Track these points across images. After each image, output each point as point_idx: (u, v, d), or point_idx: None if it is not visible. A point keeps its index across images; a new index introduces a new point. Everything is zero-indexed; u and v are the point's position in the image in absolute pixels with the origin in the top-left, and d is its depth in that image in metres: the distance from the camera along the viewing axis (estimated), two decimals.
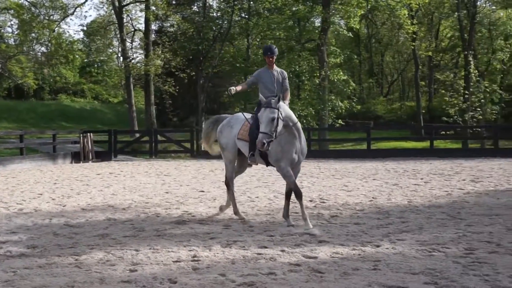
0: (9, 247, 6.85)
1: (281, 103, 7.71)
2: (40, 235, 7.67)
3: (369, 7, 34.73)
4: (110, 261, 6.12)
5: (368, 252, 6.40)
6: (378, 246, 6.67)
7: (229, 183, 9.30)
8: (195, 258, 6.20)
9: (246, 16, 38.20)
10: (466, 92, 34.56)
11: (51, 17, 36.01)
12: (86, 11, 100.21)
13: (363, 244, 6.83)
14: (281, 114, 7.59)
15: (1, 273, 5.63)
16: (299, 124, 8.32)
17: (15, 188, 13.69)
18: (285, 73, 9.04)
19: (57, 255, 6.41)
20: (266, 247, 6.73)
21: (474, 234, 7.30)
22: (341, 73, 33.87)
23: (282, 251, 6.52)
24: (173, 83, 39.27)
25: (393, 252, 6.33)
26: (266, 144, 7.24)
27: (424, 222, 8.34)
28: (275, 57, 8.77)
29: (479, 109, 34.52)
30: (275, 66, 8.84)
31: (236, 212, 9.08)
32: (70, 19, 59.67)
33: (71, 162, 24.10)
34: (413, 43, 41.86)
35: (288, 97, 8.81)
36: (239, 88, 8.97)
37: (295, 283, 5.17)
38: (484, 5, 41.28)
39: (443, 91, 39.09)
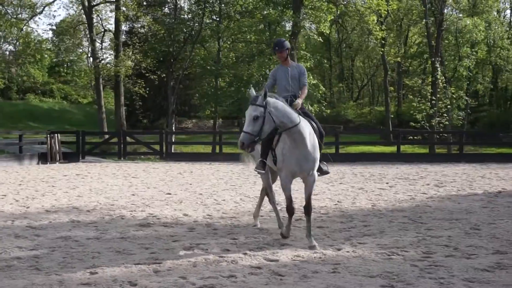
0: None
1: (271, 100, 6.60)
2: (1, 237, 7.58)
3: (339, 13, 35.11)
4: (71, 264, 6.08)
5: (328, 255, 6.50)
6: (339, 250, 6.78)
7: (268, 193, 8.38)
8: (157, 261, 6.18)
9: (217, 19, 38.22)
10: (433, 98, 35.07)
11: (19, 15, 35.61)
12: (55, 11, 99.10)
13: (325, 247, 6.91)
14: (270, 113, 6.44)
15: None
16: (302, 127, 6.79)
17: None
18: (303, 68, 7.98)
19: (17, 257, 6.35)
20: (228, 250, 6.77)
21: (433, 238, 7.45)
22: (311, 77, 34.07)
23: (244, 254, 6.56)
24: (144, 85, 39.18)
25: (353, 256, 6.44)
26: (245, 145, 6.31)
27: (386, 226, 8.47)
28: (285, 52, 7.71)
29: (445, 114, 35.10)
30: (290, 61, 7.89)
31: (255, 215, 8.65)
32: (39, 18, 58.87)
33: (38, 163, 23.78)
34: (382, 49, 42.32)
35: (304, 94, 7.78)
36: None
37: (254, 285, 5.23)
38: (451, 13, 41.95)
39: (411, 97, 39.61)
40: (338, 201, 11.31)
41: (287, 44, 7.84)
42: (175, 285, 5.27)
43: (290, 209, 7.05)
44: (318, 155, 7.05)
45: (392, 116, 46.61)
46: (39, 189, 13.67)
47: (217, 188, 13.78)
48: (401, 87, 50.98)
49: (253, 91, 6.62)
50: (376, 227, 8.36)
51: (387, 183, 14.98)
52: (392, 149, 28.11)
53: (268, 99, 6.52)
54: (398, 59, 47.57)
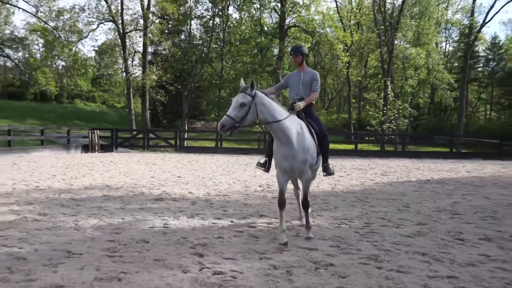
0: (25, 214, 6.88)
1: (260, 93, 5.47)
2: (50, 206, 7.69)
3: (314, 42, 35.18)
4: (101, 226, 6.23)
5: (294, 224, 6.68)
6: (302, 220, 6.89)
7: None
8: (166, 225, 6.33)
9: (221, 45, 38.21)
10: (385, 108, 35.31)
11: (69, 39, 35.47)
12: (97, 35, 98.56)
13: (292, 218, 7.06)
14: (256, 104, 5.34)
15: (17, 233, 5.70)
16: (284, 125, 5.47)
17: (35, 170, 13.58)
18: (316, 74, 6.45)
19: (61, 221, 6.48)
20: (220, 219, 6.90)
21: (373, 213, 7.61)
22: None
23: (231, 222, 6.71)
24: (164, 94, 39.28)
25: (313, 225, 6.54)
26: (225, 128, 5.12)
27: (340, 203, 8.57)
28: (301, 56, 6.41)
29: (393, 121, 35.37)
30: (306, 67, 6.50)
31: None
32: (85, 41, 58.70)
33: (81, 152, 23.85)
34: (347, 70, 42.52)
35: (312, 99, 6.31)
36: (265, 91, 5.97)
37: (236, 244, 5.40)
38: (400, 43, 42.10)
39: (368, 107, 39.91)
40: None
41: (303, 49, 6.53)
42: (178, 242, 5.44)
43: (279, 202, 5.64)
44: (311, 156, 5.65)
45: (354, 121, 46.80)
46: (80, 171, 13.76)
47: (215, 174, 13.81)
48: (361, 99, 51.31)
49: (242, 82, 5.58)
50: (332, 204, 8.46)
51: (345, 172, 15.10)
52: (352, 146, 28.26)
53: (257, 91, 5.45)
54: (359, 78, 47.86)
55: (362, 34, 43.65)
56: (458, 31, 52.44)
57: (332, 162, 19.83)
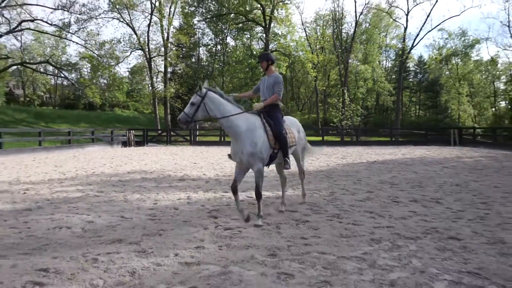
0: (88, 192, 6.99)
1: (211, 94, 4.70)
2: (104, 186, 7.81)
3: (290, 62, 35.29)
4: (143, 199, 6.40)
5: (278, 194, 6.80)
6: (285, 192, 7.10)
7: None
8: (189, 197, 6.49)
9: (222, 65, 38.20)
10: (343, 109, 35.59)
11: (110, 63, 35.17)
12: (130, 60, 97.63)
13: (278, 190, 7.21)
14: (205, 103, 4.63)
15: (84, 205, 5.84)
16: (232, 122, 4.72)
17: (90, 161, 13.67)
18: (278, 78, 5.28)
19: (114, 196, 6.63)
20: (227, 192, 7.02)
21: (336, 185, 7.74)
22: None
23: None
24: (180, 102, 39.12)
25: (293, 194, 6.78)
26: (180, 121, 4.61)
27: (312, 179, 8.68)
28: (265, 62, 5.33)
29: (349, 119, 35.63)
30: (272, 72, 5.35)
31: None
32: (121, 64, 58.17)
33: (121, 147, 23.88)
34: (315, 82, 42.68)
35: (271, 100, 5.14)
36: (242, 94, 5.68)
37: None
38: (353, 62, 42.38)
39: (331, 109, 40.11)
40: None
41: (268, 56, 5.38)
42: (198, 209, 5.60)
43: (231, 189, 4.85)
44: (259, 151, 4.69)
45: (321, 120, 47.00)
46: (123, 161, 13.87)
47: (221, 160, 13.88)
48: (325, 103, 51.38)
49: (201, 84, 4.77)
50: (306, 180, 8.36)
51: (315, 157, 15.23)
52: (319, 138, 28.46)
53: (209, 92, 4.70)
54: (324, 87, 47.96)
55: (325, 55, 43.66)
56: (394, 52, 52.78)
57: None
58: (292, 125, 5.71)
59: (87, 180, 8.62)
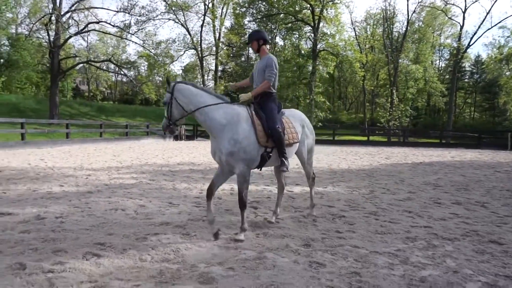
0: (141, 180, 7.45)
1: (179, 86, 3.85)
2: (156, 175, 8.24)
3: (338, 61, 34.68)
4: (190, 188, 6.71)
5: (320, 190, 6.83)
6: (325, 188, 7.07)
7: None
8: (232, 189, 6.70)
9: None
10: (391, 110, 34.38)
11: (165, 61, 36.71)
12: (183, 59, 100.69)
13: (318, 186, 7.24)
14: (177, 98, 3.81)
15: (137, 191, 6.27)
16: (210, 114, 3.82)
17: (144, 152, 14.43)
18: (270, 60, 4.13)
19: (164, 184, 7.01)
20: (268, 185, 7.16)
21: (376, 184, 7.63)
22: (321, 97, 33.94)
23: (276, 188, 7.03)
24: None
25: (332, 191, 6.79)
26: (164, 129, 3.90)
27: (353, 177, 8.60)
28: (256, 43, 4.21)
29: (398, 119, 34.35)
30: (265, 54, 4.22)
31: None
32: (175, 63, 60.39)
33: (173, 140, 24.88)
34: (363, 82, 41.62)
35: (261, 88, 4.07)
36: (239, 83, 4.64)
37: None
38: (403, 62, 40.73)
39: (378, 109, 38.94)
40: (329, 165, 11.38)
41: (259, 34, 4.24)
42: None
43: (207, 193, 4.03)
44: (242, 150, 3.74)
45: (367, 119, 45.77)
46: (174, 153, 14.47)
47: None
48: (373, 103, 49.99)
49: (168, 78, 4.07)
50: (348, 178, 8.51)
51: (359, 156, 15.00)
52: (365, 138, 27.78)
53: (177, 85, 3.86)
54: (372, 87, 46.64)
55: (374, 55, 42.40)
56: (449, 52, 49.92)
57: (350, 149, 19.53)
58: (295, 118, 4.60)
59: (141, 169, 9.17)
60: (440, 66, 55.01)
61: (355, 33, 44.13)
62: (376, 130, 32.85)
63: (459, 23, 40.17)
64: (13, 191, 6.03)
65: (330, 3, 33.08)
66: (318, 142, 22.58)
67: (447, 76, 49.83)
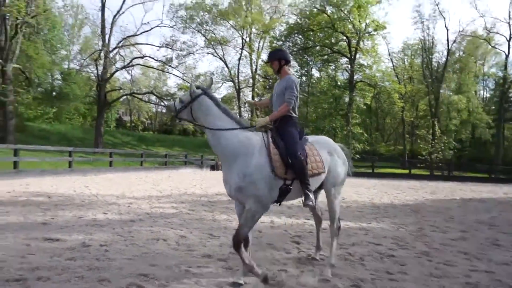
0: (181, 209, 7.49)
1: (204, 99, 3.53)
2: (195, 204, 8.28)
3: (376, 92, 34.28)
4: (229, 219, 6.61)
5: (363, 226, 6.56)
6: (369, 223, 6.78)
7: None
8: (272, 222, 6.50)
9: (306, 95, 38.61)
10: (433, 142, 33.10)
11: None
12: (221, 91, 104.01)
13: (362, 221, 7.00)
14: (192, 106, 3.53)
15: (177, 221, 6.25)
16: (222, 139, 3.45)
17: (183, 181, 14.65)
18: (291, 80, 3.72)
19: (204, 215, 6.99)
20: (309, 219, 6.85)
21: (424, 221, 7.22)
22: (359, 128, 33.42)
23: None
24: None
25: (377, 227, 6.49)
26: (167, 109, 3.79)
27: (398, 213, 8.23)
28: (277, 62, 3.82)
29: (440, 152, 32.95)
30: (286, 74, 3.82)
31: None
32: (213, 94, 62.23)
33: (210, 170, 25.19)
34: (402, 113, 40.67)
35: (280, 113, 3.65)
36: (259, 102, 4.50)
37: (322, 237, 5.52)
38: (444, 92, 39.58)
39: (419, 141, 37.68)
40: (371, 199, 11.01)
41: (280, 54, 3.86)
42: (281, 234, 5.57)
43: (235, 243, 3.32)
44: (253, 185, 3.27)
45: (407, 152, 44.27)
46: (211, 183, 14.56)
47: None
48: (413, 135, 48.50)
49: (193, 84, 3.65)
50: (392, 214, 8.15)
51: (401, 190, 14.38)
52: (407, 171, 26.76)
53: (201, 97, 3.52)
54: (412, 118, 45.37)
55: (413, 86, 41.54)
56: (494, 81, 48.00)
57: (391, 182, 18.85)
58: (321, 145, 3.94)
59: (180, 199, 9.26)
60: (484, 96, 52.87)
61: (393, 64, 43.65)
62: (418, 163, 31.59)
63: (504, 51, 38.83)
64: (61, 217, 6.23)
65: (367, 34, 33.20)
66: (357, 174, 21.85)
67: (493, 107, 47.68)
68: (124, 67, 32.81)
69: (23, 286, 3.13)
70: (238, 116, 3.71)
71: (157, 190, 11.05)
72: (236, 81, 37.09)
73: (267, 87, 41.56)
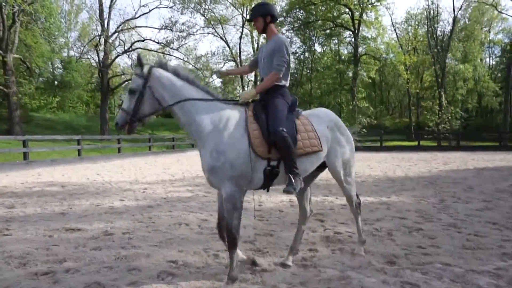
0: (197, 192, 7.41)
1: (159, 71, 2.89)
2: (210, 188, 7.99)
3: (380, 64, 33.67)
4: (248, 200, 6.38)
5: (384, 200, 6.45)
6: (389, 197, 6.66)
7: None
8: (291, 201, 6.41)
9: (310, 72, 38.04)
10: (440, 113, 32.68)
11: (205, 74, 37.51)
12: None
13: (380, 195, 6.88)
14: (152, 88, 2.85)
15: (195, 204, 6.17)
16: (196, 117, 2.88)
17: (193, 164, 14.53)
18: (281, 41, 3.06)
19: None
20: (327, 196, 6.86)
21: (444, 193, 7.08)
22: (364, 102, 33.02)
23: (336, 198, 6.63)
24: None
25: (397, 200, 6.38)
26: (118, 125, 2.85)
27: (415, 186, 8.07)
28: (261, 20, 3.15)
29: (447, 122, 32.60)
30: (274, 35, 3.16)
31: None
32: (214, 75, 61.76)
33: None
34: (407, 85, 40.05)
35: (267, 83, 3.07)
36: (231, 71, 3.73)
37: (344, 214, 5.37)
38: (450, 62, 38.74)
39: (425, 112, 37.23)
40: (385, 172, 10.83)
41: (263, 9, 3.15)
42: None
43: (217, 230, 3.26)
44: (228, 164, 2.76)
45: (414, 124, 43.88)
46: None
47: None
48: (419, 106, 47.94)
49: (140, 57, 2.90)
50: (410, 186, 7.98)
51: (413, 162, 14.21)
52: (414, 143, 26.49)
53: (155, 70, 2.88)
54: (417, 90, 44.72)
55: (418, 56, 40.68)
56: (500, 48, 46.92)
57: (400, 155, 18.64)
58: (320, 119, 3.35)
59: (194, 182, 9.17)
60: (491, 64, 51.83)
61: (397, 35, 42.68)
62: (425, 134, 31.25)
63: (511, 16, 37.73)
64: (78, 206, 6.17)
65: (370, 6, 32.31)
66: (365, 148, 21.76)
67: (500, 75, 46.84)
68: (125, 52, 32.31)
69: (53, 279, 3.05)
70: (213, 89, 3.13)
71: (169, 174, 10.98)
72: (238, 60, 36.48)
73: None
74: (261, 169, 2.89)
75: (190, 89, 2.96)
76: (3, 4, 22.17)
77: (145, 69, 2.89)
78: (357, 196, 3.73)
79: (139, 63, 2.88)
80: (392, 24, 43.45)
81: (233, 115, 2.95)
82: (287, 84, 3.24)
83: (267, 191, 3.10)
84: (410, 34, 45.30)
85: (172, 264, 3.37)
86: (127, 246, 3.93)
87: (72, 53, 39.74)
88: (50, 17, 32.11)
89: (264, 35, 3.35)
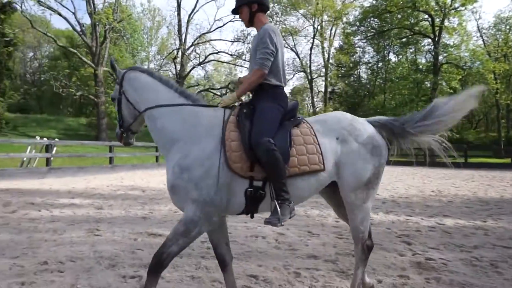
0: None
1: (132, 74, 2.61)
2: None
3: (464, 73, 31.06)
4: (323, 215, 6.22)
5: (479, 224, 5.75)
6: (485, 221, 5.92)
7: None
8: (370, 219, 6.14)
9: (383, 82, 36.44)
10: None
11: None
12: (292, 82, 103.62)
13: (474, 219, 6.16)
14: (126, 92, 2.57)
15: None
16: (164, 123, 2.43)
17: None
18: (264, 31, 2.49)
19: (295, 210, 6.79)
20: (410, 216, 6.33)
21: None
22: None
23: (421, 219, 6.11)
24: None
25: (497, 226, 5.65)
26: (117, 137, 2.70)
27: None
28: (246, 10, 2.60)
29: None
30: (264, 24, 2.59)
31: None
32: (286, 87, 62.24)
33: None
34: (496, 95, 36.36)
35: (249, 83, 2.47)
36: (243, 78, 2.82)
37: (434, 237, 4.90)
38: None
39: None
40: (474, 192, 9.73)
41: None
42: (385, 232, 5.10)
43: (218, 262, 2.80)
44: (192, 183, 2.22)
45: (503, 139, 39.63)
46: None
47: (390, 180, 12.85)
48: (509, 120, 43.31)
49: (112, 60, 2.67)
50: (509, 210, 7.03)
51: (507, 182, 12.61)
52: (504, 161, 23.80)
53: (128, 73, 2.62)
54: (508, 101, 40.40)
55: (510, 64, 36.79)
56: None
57: (490, 173, 16.80)
58: (327, 127, 2.63)
59: None
60: None
61: (483, 41, 39.14)
62: None
63: None
64: (157, 211, 6.43)
65: (453, 11, 30.09)
66: (445, 165, 19.63)
67: None
68: (200, 64, 34.01)
69: (139, 283, 3.13)
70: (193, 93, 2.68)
71: None
72: (308, 71, 36.30)
73: (340, 75, 40.15)
74: (240, 190, 2.33)
75: (161, 90, 2.55)
76: (97, 23, 24.72)
77: (120, 74, 2.66)
78: (370, 236, 2.74)
79: (112, 68, 2.65)
80: (478, 29, 40.01)
81: (207, 122, 2.43)
82: (283, 84, 2.63)
83: (251, 217, 2.50)
84: (500, 40, 41.26)
85: (253, 279, 3.27)
86: (206, 255, 3.94)
87: (152, 65, 42.89)
88: (135, 34, 35.13)
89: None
